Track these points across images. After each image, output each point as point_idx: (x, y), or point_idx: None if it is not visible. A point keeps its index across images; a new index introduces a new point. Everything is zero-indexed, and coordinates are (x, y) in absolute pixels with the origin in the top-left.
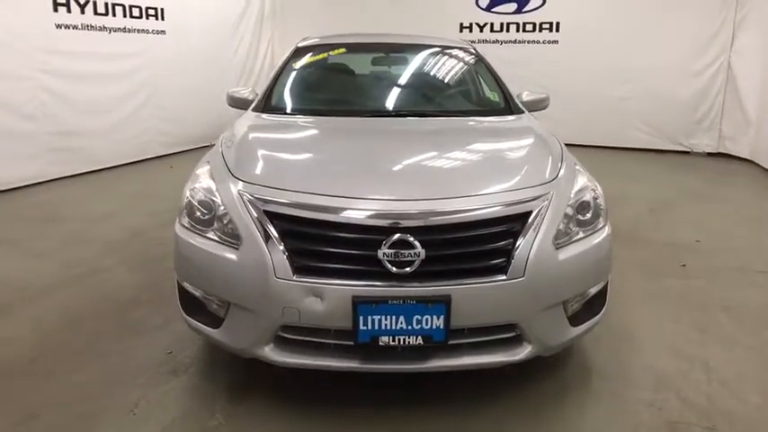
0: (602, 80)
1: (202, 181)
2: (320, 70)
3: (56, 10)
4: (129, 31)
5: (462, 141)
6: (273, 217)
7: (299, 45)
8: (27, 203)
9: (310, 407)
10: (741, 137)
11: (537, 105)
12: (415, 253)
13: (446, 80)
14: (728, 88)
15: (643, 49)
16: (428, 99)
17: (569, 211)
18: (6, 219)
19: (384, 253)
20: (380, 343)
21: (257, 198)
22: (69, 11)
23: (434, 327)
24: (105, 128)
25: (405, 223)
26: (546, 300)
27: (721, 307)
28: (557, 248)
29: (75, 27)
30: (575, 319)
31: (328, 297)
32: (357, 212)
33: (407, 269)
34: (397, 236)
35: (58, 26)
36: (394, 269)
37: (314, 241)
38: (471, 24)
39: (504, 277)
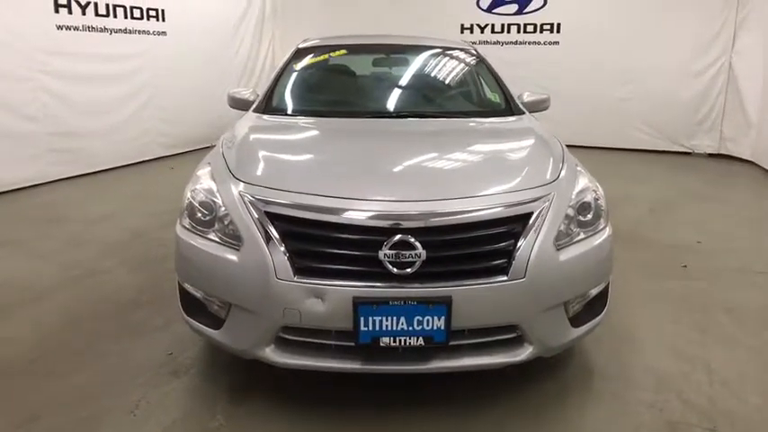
0: (603, 81)
1: (203, 182)
2: (321, 71)
3: (57, 11)
4: (130, 32)
5: (463, 142)
6: (274, 218)
7: (300, 46)
8: (28, 204)
9: (311, 408)
10: (742, 138)
11: (538, 106)
12: (415, 254)
13: (447, 81)
14: (730, 89)
15: (644, 49)
16: (429, 100)
17: (570, 212)
18: (8, 220)
19: (385, 254)
20: (381, 344)
21: (258, 199)
22: (70, 12)
23: (435, 328)
24: (106, 129)
25: (406, 224)
26: (547, 301)
27: (722, 308)
28: (558, 249)
29: (75, 28)
30: (576, 320)
31: (329, 298)
32: (358, 213)
33: (408, 270)
34: (397, 237)
35: (59, 27)
36: (395, 270)
37: (315, 242)
38: (472, 25)
39: (505, 278)
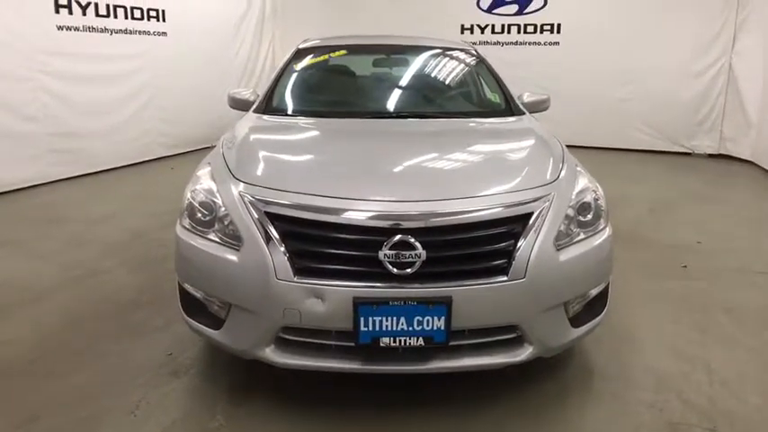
0: (603, 81)
1: (203, 182)
2: (321, 72)
3: (57, 11)
4: (131, 32)
5: (463, 143)
6: (274, 218)
7: (300, 47)
8: (29, 204)
9: (311, 408)
10: (742, 138)
11: (538, 107)
12: (415, 254)
13: (447, 82)
14: (730, 90)
15: (644, 50)
16: (429, 100)
17: (570, 212)
18: (8, 220)
19: (385, 254)
20: (381, 344)
21: (258, 199)
22: (71, 12)
23: (435, 328)
24: (106, 129)
25: (405, 224)
26: (547, 301)
27: (722, 308)
28: (558, 250)
29: (76, 29)
30: (576, 321)
31: (329, 298)
32: (358, 214)
33: (408, 270)
34: (397, 237)
35: (60, 28)
36: (395, 270)
37: (315, 242)
38: (472, 26)
39: (505, 278)
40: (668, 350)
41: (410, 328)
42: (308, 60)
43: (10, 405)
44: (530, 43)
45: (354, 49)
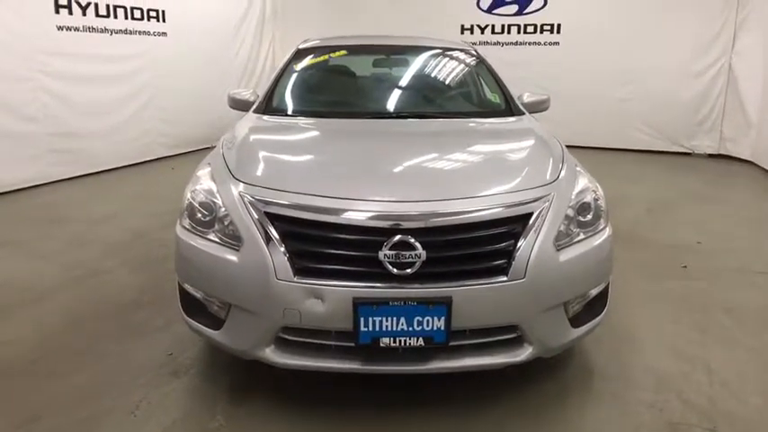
0: (603, 82)
1: (203, 182)
2: (321, 72)
3: (57, 12)
4: (131, 32)
5: (463, 143)
6: (274, 218)
7: (300, 47)
8: (29, 205)
9: (311, 408)
10: (742, 138)
11: (538, 107)
12: (415, 254)
13: (447, 82)
14: (729, 90)
15: (644, 50)
16: (429, 101)
17: (570, 212)
18: (9, 220)
19: (385, 254)
20: (381, 344)
21: (258, 200)
22: (71, 13)
23: (435, 328)
24: (106, 129)
25: (405, 224)
26: (547, 301)
27: (722, 308)
28: (557, 250)
29: (76, 29)
30: (576, 321)
31: (329, 298)
32: (358, 214)
33: (408, 270)
34: (397, 237)
35: (60, 28)
36: (395, 270)
37: (315, 243)
38: (472, 26)
39: (505, 278)
40: (668, 350)
41: (410, 329)
42: (308, 61)
43: (11, 405)
44: (530, 43)
45: (354, 50)
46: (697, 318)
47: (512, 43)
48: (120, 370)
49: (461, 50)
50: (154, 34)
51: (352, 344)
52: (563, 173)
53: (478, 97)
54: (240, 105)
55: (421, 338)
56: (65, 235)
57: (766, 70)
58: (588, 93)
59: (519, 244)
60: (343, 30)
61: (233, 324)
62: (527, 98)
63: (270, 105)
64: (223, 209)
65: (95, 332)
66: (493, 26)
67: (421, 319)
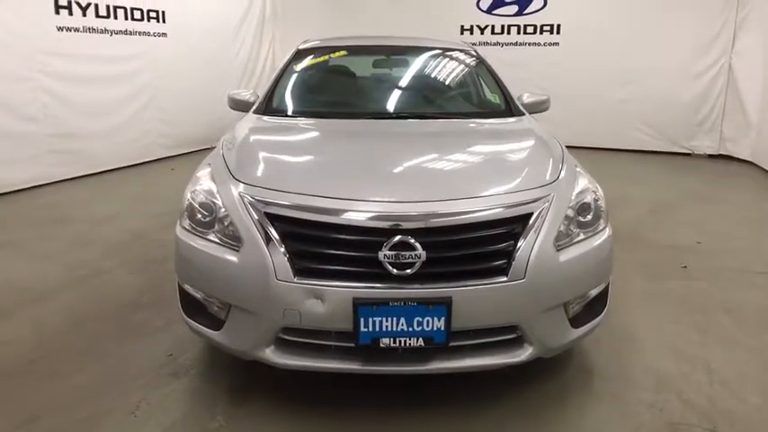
0: (603, 82)
1: (203, 183)
2: (321, 72)
3: (57, 12)
4: (131, 33)
5: (463, 143)
6: (274, 219)
7: (300, 47)
8: (29, 205)
9: (311, 408)
10: (742, 138)
11: (537, 107)
12: (415, 254)
13: (447, 82)
14: (729, 90)
15: (644, 50)
16: (429, 101)
17: (570, 212)
18: (9, 221)
19: (385, 255)
20: (381, 345)
21: (258, 200)
22: (71, 13)
23: (435, 328)
24: (106, 130)
25: (405, 225)
26: (547, 301)
27: (722, 308)
28: (557, 250)
29: (76, 29)
30: (576, 321)
31: (329, 299)
32: (358, 214)
33: (408, 271)
34: (397, 237)
35: (60, 28)
36: (395, 271)
37: (315, 243)
38: (472, 27)
39: (505, 279)
40: (668, 350)
41: (410, 329)
42: (307, 61)
43: (10, 405)
44: (529, 44)
45: (354, 50)
46: (697, 318)
47: (512, 44)
48: (120, 370)
49: (461, 51)
50: (154, 35)
51: (352, 344)
52: (563, 173)
53: (478, 98)
54: (240, 106)
55: (421, 339)
56: (64, 235)
57: (766, 70)
58: (588, 93)
59: (519, 244)
60: (343, 30)
61: (233, 324)
62: (527, 99)
63: (270, 106)
64: (223, 209)
65: (95, 333)
66: (493, 27)
67: (421, 319)
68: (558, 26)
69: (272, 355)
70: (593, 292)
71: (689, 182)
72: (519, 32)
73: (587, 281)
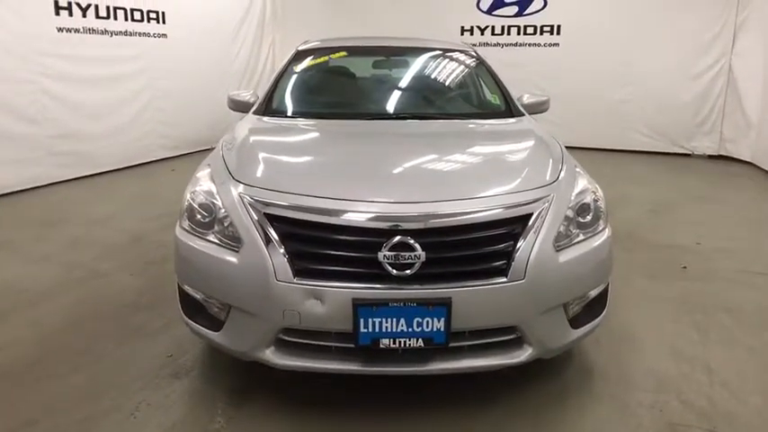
0: (603, 83)
1: (203, 184)
2: (321, 73)
3: (57, 13)
4: (131, 34)
5: (463, 144)
6: (274, 219)
7: (300, 48)
8: (29, 206)
9: (311, 409)
10: (742, 139)
11: (537, 108)
12: (415, 255)
13: (447, 83)
14: (729, 90)
15: (644, 51)
16: (429, 102)
17: (570, 213)
18: (8, 222)
19: (384, 255)
20: (381, 345)
21: (258, 201)
22: (71, 14)
23: (435, 329)
24: (107, 131)
25: (405, 225)
26: (546, 302)
27: (722, 308)
28: (557, 251)
29: (76, 30)
30: (575, 322)
31: (329, 300)
32: (357, 215)
33: (408, 271)
34: (397, 238)
35: (60, 29)
36: (394, 271)
37: (314, 244)
38: (472, 27)
39: (505, 279)
40: (668, 351)
41: (410, 330)
42: (307, 62)
43: (8, 408)
44: (529, 44)
45: (354, 51)
46: (697, 318)
47: (512, 44)
48: (120, 371)
49: (461, 52)
50: (154, 36)
51: (352, 345)
52: (562, 174)
53: (478, 98)
54: (240, 107)
55: (420, 339)
56: (64, 236)
57: (766, 71)
58: (588, 94)
59: (518, 245)
60: (344, 31)
61: (233, 325)
62: (527, 99)
63: (270, 107)
64: (223, 210)
65: (95, 334)
66: (493, 27)
67: (420, 320)
68: (558, 27)
69: (271, 355)
70: (593, 293)
71: (689, 182)
72: (519, 33)
73: (587, 281)
